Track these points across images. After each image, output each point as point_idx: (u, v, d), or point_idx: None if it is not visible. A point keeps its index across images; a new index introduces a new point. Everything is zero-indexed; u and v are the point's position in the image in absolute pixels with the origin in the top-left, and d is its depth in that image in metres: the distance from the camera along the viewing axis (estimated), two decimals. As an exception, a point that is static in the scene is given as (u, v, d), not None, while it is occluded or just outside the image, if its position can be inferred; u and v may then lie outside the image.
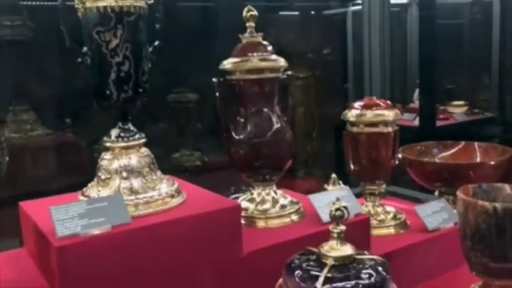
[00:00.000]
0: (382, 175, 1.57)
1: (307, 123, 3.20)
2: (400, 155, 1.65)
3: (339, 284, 0.94)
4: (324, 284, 0.95)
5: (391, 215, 1.58)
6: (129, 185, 1.14)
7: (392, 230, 1.54)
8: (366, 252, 1.04)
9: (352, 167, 1.58)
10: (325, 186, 1.51)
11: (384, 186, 1.60)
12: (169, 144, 2.70)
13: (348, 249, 1.00)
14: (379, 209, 1.59)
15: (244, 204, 1.41)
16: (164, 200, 1.16)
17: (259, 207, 1.39)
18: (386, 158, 1.54)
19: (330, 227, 1.00)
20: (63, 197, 1.23)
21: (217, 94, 1.36)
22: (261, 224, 1.37)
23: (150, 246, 1.07)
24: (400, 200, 1.86)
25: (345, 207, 1.00)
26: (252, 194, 1.43)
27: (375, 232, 1.50)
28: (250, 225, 1.37)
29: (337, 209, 1.00)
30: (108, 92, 1.13)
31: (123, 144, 1.17)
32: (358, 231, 1.30)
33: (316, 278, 0.96)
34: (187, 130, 2.72)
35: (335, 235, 1.00)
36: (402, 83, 3.79)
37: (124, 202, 1.08)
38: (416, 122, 2.98)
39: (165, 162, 2.57)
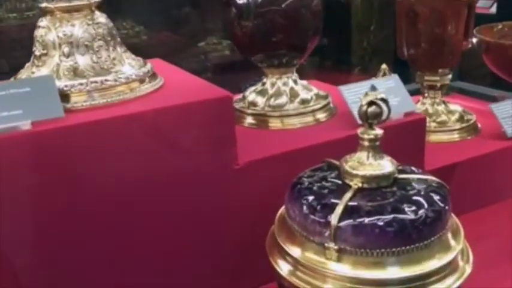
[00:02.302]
0: (448, 61, 1.25)
1: (365, 15, 2.87)
2: (474, 39, 1.24)
3: (366, 219, 0.62)
4: (342, 217, 0.61)
5: (457, 115, 1.29)
6: (73, 65, 0.81)
7: (456, 136, 1.27)
8: (414, 169, 0.69)
9: (405, 51, 1.20)
10: (373, 79, 1.15)
11: (449, 77, 1.28)
12: (194, 31, 2.39)
13: (385, 165, 0.67)
14: (441, 108, 1.29)
15: (251, 97, 1.06)
16: (130, 86, 0.84)
17: (272, 101, 1.04)
18: (455, 37, 1.20)
19: (359, 130, 0.65)
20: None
21: None
22: (275, 124, 1.05)
23: (95, 153, 0.75)
24: (469, 98, 1.56)
25: (384, 100, 0.64)
26: (263, 84, 1.07)
27: (433, 138, 1.24)
28: (260, 125, 1.06)
29: (370, 103, 0.64)
30: None
31: (63, 4, 0.82)
32: (408, 136, 1.02)
33: (333, 207, 0.63)
34: (215, 14, 2.35)
35: (366, 143, 0.67)
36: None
37: (55, 87, 0.75)
38: (493, 10, 2.68)
39: (188, 51, 2.29)
